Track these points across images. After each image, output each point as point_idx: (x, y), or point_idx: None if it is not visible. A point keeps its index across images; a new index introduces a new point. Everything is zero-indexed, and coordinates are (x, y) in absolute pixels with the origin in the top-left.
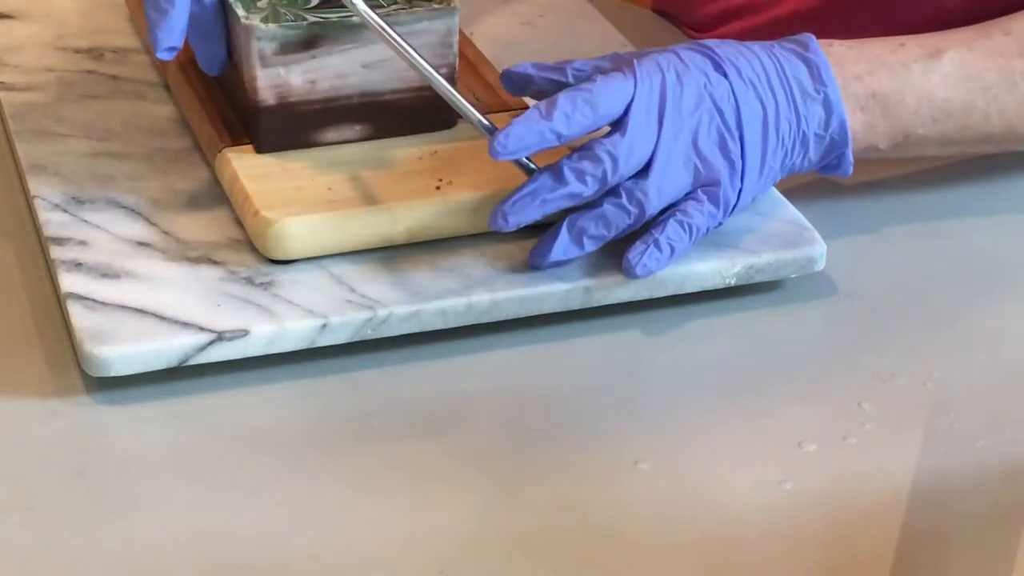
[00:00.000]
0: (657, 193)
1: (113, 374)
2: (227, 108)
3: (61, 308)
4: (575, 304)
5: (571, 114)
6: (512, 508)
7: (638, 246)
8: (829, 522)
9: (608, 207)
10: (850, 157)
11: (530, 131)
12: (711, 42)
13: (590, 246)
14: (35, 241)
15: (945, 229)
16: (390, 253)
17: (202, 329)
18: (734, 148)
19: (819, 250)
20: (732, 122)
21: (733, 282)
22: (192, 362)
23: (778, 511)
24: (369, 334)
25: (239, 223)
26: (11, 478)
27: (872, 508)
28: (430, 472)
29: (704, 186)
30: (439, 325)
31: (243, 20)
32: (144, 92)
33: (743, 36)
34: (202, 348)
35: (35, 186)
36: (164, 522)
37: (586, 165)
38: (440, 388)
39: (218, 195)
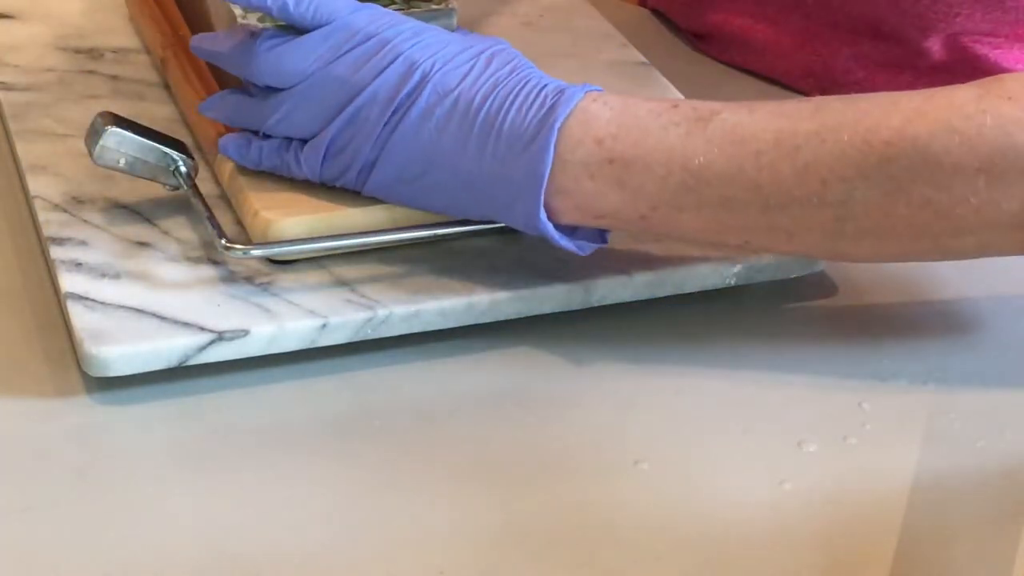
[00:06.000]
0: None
1: (113, 374)
2: None
3: (61, 308)
4: (575, 304)
5: None
6: (512, 508)
7: (239, 138)
8: (829, 522)
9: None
10: (562, 243)
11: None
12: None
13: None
14: (35, 241)
15: None
16: (390, 253)
17: (202, 329)
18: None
19: None
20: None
21: (733, 282)
22: (192, 362)
23: (778, 511)
24: (369, 334)
25: (239, 223)
26: (11, 478)
27: (872, 508)
28: (430, 472)
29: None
30: (439, 325)
31: (240, 20)
32: (144, 92)
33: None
34: (202, 348)
35: (35, 186)
36: (164, 522)
37: None
38: (440, 388)
39: (218, 195)
